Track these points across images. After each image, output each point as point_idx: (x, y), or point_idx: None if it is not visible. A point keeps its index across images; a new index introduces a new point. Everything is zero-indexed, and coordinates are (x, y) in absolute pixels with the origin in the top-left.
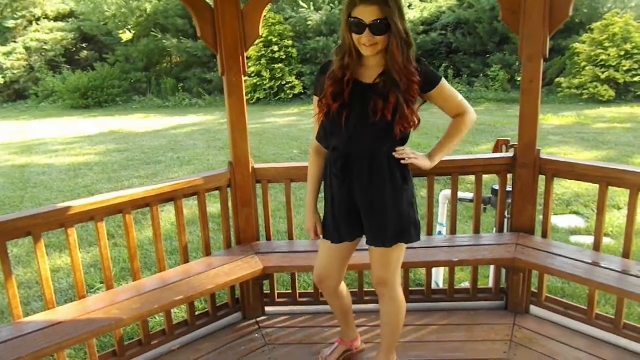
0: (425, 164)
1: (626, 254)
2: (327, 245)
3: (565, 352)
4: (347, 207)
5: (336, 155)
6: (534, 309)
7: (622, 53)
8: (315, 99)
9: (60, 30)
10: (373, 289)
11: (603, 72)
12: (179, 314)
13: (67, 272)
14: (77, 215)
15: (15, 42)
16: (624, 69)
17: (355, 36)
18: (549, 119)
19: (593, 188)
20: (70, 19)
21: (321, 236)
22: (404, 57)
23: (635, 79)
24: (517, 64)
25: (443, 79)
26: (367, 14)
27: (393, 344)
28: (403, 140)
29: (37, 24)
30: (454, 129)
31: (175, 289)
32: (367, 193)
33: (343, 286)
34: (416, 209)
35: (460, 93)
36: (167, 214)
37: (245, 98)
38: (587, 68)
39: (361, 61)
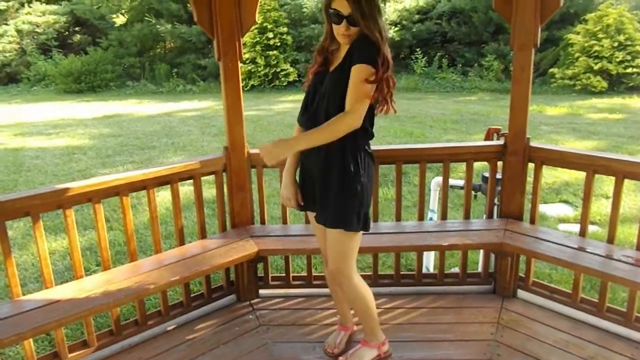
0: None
1: (610, 240)
2: (313, 224)
3: (549, 333)
4: (310, 178)
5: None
6: (521, 293)
7: (616, 44)
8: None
9: (53, 13)
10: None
11: (596, 63)
12: (174, 296)
13: (62, 255)
14: (75, 197)
15: (6, 24)
16: (617, 60)
17: (334, 26)
18: (542, 110)
19: (583, 178)
20: (63, 2)
21: (302, 203)
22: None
23: (628, 70)
24: (512, 54)
25: (363, 65)
26: (344, 7)
27: (372, 325)
28: (359, 130)
29: (29, 7)
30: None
31: (171, 269)
32: (322, 172)
33: None
34: (365, 203)
35: (455, 82)
36: (160, 199)
37: (241, 83)
38: (580, 59)
39: (338, 51)
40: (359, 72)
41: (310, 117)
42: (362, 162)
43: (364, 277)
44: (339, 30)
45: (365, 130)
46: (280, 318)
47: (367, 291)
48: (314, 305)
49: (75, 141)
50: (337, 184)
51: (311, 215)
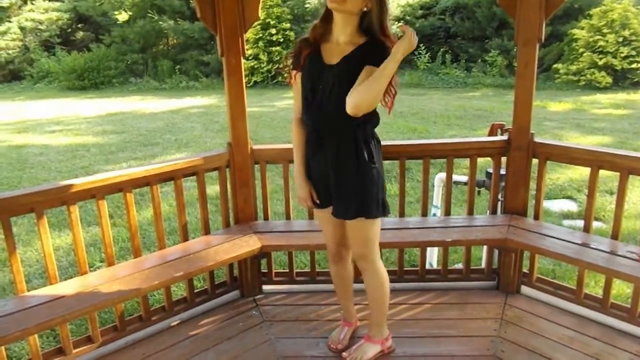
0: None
1: (615, 235)
2: (321, 217)
3: (553, 329)
4: (321, 176)
5: (309, 129)
6: (524, 289)
7: (620, 39)
8: (293, 73)
9: (56, 10)
10: None
11: (601, 59)
12: (178, 291)
13: (66, 251)
14: (78, 193)
15: (10, 21)
16: (622, 55)
17: None
18: (546, 105)
19: (587, 174)
20: None
21: (317, 201)
22: (378, 21)
23: (633, 65)
24: (515, 50)
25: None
26: None
27: (382, 318)
28: (370, 117)
29: (32, 4)
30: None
31: (175, 265)
32: (335, 165)
33: (351, 267)
34: (381, 188)
35: (458, 78)
36: (163, 196)
37: (244, 80)
38: (585, 54)
39: (331, 35)
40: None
41: (316, 112)
42: (374, 148)
43: None
44: None
45: (376, 116)
46: (284, 314)
47: (387, 279)
48: (317, 301)
49: (78, 138)
50: (353, 174)
51: (320, 212)
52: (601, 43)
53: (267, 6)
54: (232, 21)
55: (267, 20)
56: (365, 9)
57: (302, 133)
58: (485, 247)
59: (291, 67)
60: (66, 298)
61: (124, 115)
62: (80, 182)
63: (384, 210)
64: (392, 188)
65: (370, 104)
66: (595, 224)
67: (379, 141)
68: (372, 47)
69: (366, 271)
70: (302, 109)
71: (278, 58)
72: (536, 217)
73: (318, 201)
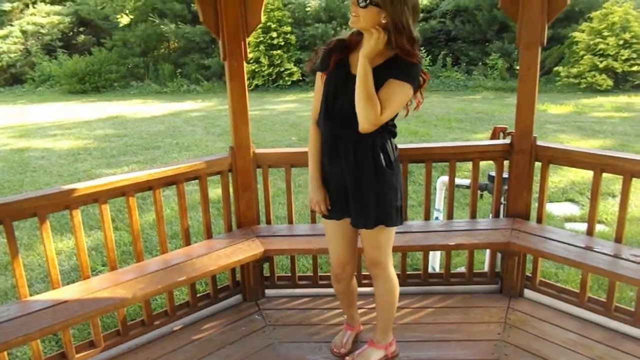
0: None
1: (618, 239)
2: (330, 230)
3: (556, 333)
4: (337, 186)
5: (326, 136)
6: (528, 293)
7: (621, 42)
8: (319, 74)
9: (57, 14)
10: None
11: (601, 61)
12: (180, 296)
13: (68, 255)
14: (81, 197)
15: (11, 25)
16: (623, 58)
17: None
18: (547, 108)
19: (589, 176)
20: (67, 3)
21: (329, 207)
22: (396, 40)
23: (634, 68)
24: (516, 53)
25: (407, 86)
26: None
27: (389, 324)
28: (387, 125)
29: (34, 7)
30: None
31: (178, 270)
32: (352, 174)
33: (355, 282)
34: (400, 195)
35: (459, 81)
36: (165, 200)
37: (246, 83)
38: (585, 57)
39: (362, 47)
40: (401, 90)
41: (334, 118)
42: (392, 155)
43: (369, 276)
44: (351, 9)
45: (394, 126)
46: (287, 318)
47: (397, 286)
48: (320, 305)
49: (80, 141)
50: (370, 180)
51: (331, 223)
52: (602, 46)
53: (268, 9)
54: (235, 25)
55: (268, 23)
56: (383, 21)
57: (319, 136)
58: (488, 250)
59: (319, 67)
60: (69, 303)
61: (125, 119)
62: (83, 186)
63: (401, 218)
64: None
65: (368, 115)
66: (598, 227)
67: (396, 148)
68: (399, 61)
69: (379, 277)
70: (320, 112)
71: (279, 61)
72: (539, 221)
73: (330, 207)
